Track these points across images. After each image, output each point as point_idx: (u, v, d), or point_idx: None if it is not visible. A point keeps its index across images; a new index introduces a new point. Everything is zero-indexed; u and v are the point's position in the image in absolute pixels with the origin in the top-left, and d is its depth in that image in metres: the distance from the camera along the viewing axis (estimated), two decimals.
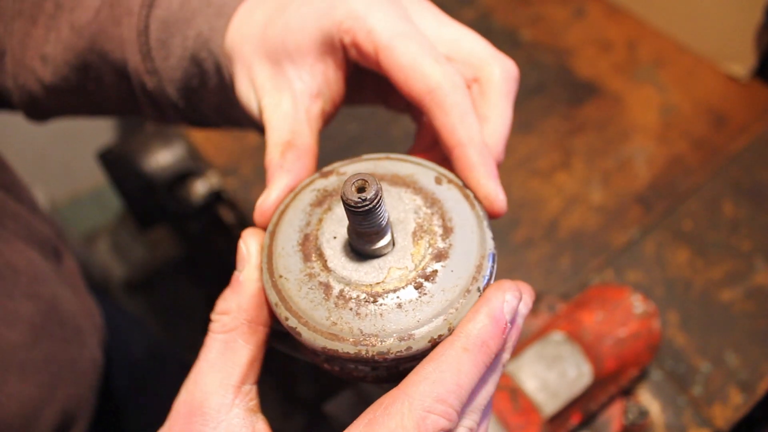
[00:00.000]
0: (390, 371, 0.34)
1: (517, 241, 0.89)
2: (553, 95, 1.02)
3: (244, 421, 0.36)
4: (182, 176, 0.97)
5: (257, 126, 0.49)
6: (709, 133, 0.97)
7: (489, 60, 0.42)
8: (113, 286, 1.97)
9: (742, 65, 0.99)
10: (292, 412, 1.51)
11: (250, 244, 0.38)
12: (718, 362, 0.77)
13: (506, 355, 0.37)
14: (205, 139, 1.02)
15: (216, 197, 0.98)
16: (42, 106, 0.56)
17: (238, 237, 0.39)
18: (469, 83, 0.43)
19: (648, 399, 0.75)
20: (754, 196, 0.90)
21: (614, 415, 0.72)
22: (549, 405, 0.65)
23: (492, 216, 0.39)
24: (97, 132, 1.87)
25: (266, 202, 0.40)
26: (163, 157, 0.96)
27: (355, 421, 0.32)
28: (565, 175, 0.94)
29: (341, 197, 0.32)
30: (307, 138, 0.42)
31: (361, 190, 0.32)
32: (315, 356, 0.36)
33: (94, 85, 0.53)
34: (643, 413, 0.71)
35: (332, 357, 0.34)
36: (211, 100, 0.51)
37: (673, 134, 0.97)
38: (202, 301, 1.81)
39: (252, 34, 0.44)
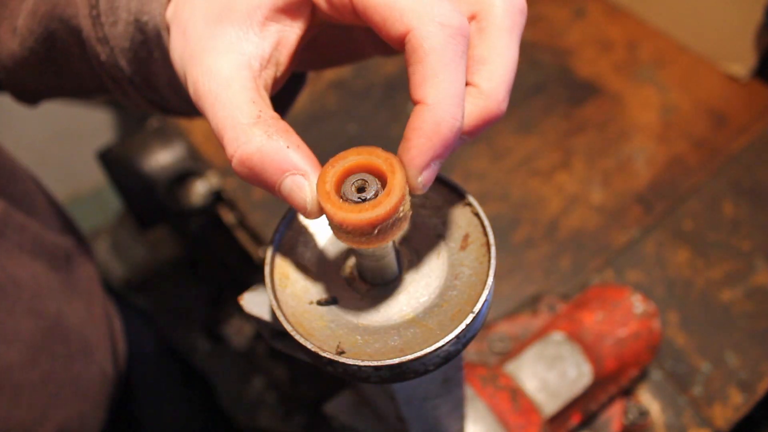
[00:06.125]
0: (393, 371, 0.34)
1: (517, 241, 0.89)
2: (553, 95, 1.02)
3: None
4: (182, 176, 0.97)
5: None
6: (709, 133, 0.97)
7: None
8: (113, 287, 1.96)
9: (742, 65, 0.99)
10: (292, 412, 1.51)
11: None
12: (718, 362, 0.77)
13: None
14: (205, 139, 1.02)
15: (216, 197, 0.98)
16: (21, 83, 0.51)
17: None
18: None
19: (648, 399, 0.75)
20: (754, 196, 0.90)
21: (614, 415, 0.72)
22: (549, 405, 0.65)
23: (411, 191, 0.32)
24: (97, 132, 1.87)
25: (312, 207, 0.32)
26: (163, 157, 0.96)
27: None
28: (565, 175, 0.94)
29: (341, 197, 0.32)
30: (270, 110, 0.33)
31: (360, 190, 0.31)
32: (317, 358, 0.36)
33: (63, 59, 0.47)
34: (643, 413, 0.71)
35: (335, 361, 0.34)
36: (161, 73, 0.44)
37: (673, 134, 0.97)
38: (202, 301, 1.81)
39: None
